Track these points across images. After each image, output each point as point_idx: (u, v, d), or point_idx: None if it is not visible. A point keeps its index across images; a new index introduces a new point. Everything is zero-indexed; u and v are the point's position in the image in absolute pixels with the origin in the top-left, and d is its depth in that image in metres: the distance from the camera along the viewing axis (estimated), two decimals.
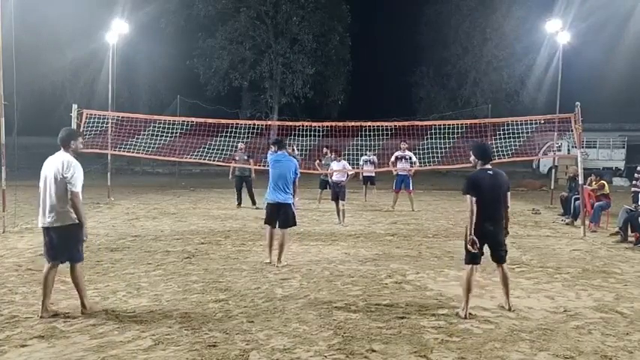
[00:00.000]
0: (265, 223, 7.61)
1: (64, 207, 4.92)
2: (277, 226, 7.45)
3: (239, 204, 13.88)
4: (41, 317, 4.94)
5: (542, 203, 15.70)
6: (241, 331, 4.71)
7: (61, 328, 4.73)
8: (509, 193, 5.35)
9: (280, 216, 7.41)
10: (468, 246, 5.15)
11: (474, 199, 5.08)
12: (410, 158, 13.62)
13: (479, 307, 5.46)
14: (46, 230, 5.02)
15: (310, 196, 15.38)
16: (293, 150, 13.96)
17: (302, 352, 4.27)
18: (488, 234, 5.18)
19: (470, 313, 5.15)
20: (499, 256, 5.35)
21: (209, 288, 6.10)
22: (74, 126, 10.31)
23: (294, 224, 7.61)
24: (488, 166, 5.30)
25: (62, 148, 5.10)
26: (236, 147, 13.90)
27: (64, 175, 4.90)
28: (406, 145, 13.76)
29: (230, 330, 4.70)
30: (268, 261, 7.42)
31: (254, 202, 13.77)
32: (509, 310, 5.32)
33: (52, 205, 4.94)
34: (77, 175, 4.95)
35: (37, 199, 5.10)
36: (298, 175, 7.73)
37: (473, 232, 5.11)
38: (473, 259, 5.20)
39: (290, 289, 6.13)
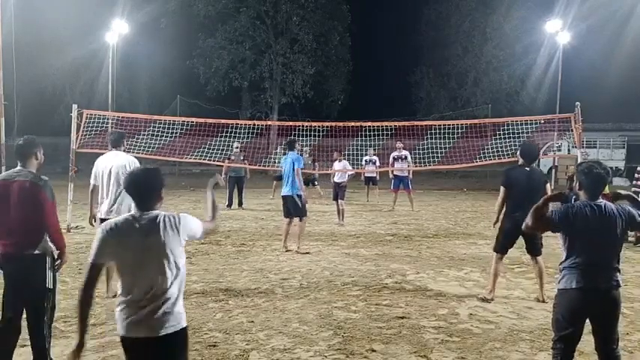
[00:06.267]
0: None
1: None
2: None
3: (229, 205, 13.63)
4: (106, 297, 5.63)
5: None
6: (241, 331, 4.71)
7: (61, 328, 4.73)
8: (548, 186, 5.68)
9: (289, 207, 8.36)
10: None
11: (504, 190, 5.62)
12: (406, 157, 13.59)
13: (479, 306, 5.47)
14: None
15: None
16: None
17: (302, 352, 4.27)
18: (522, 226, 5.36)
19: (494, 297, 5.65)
20: (534, 248, 5.66)
21: (209, 288, 6.10)
22: (74, 126, 10.30)
23: (301, 214, 8.35)
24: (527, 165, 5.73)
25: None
26: (231, 147, 13.84)
27: None
28: (402, 145, 13.71)
29: (230, 330, 4.70)
30: (284, 250, 8.30)
31: (241, 203, 13.77)
32: (543, 301, 5.50)
33: None
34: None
35: None
36: (296, 166, 8.29)
37: (503, 221, 5.64)
38: (500, 248, 5.69)
39: (290, 289, 6.13)
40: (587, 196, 3.33)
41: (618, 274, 3.35)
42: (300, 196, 8.23)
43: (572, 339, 3.31)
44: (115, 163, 5.71)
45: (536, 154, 5.97)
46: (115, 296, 5.51)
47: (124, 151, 5.97)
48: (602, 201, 3.32)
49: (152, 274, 2.63)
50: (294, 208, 8.29)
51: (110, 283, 5.68)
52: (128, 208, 5.63)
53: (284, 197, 8.43)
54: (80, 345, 2.61)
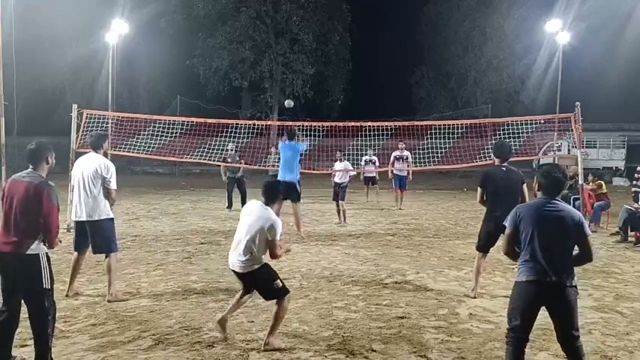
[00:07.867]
0: None
1: None
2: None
3: (229, 206, 13.42)
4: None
5: None
6: (241, 331, 4.71)
7: (61, 328, 4.73)
8: (524, 187, 5.77)
9: (288, 192, 8.58)
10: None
11: (480, 190, 5.81)
12: (407, 158, 13.67)
13: (479, 306, 5.47)
14: None
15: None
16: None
17: (302, 352, 4.27)
18: (502, 224, 5.39)
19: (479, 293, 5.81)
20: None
21: (209, 288, 6.10)
22: (74, 126, 10.30)
23: (299, 199, 9.20)
24: (505, 164, 5.85)
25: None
26: (226, 149, 13.70)
27: None
28: (404, 145, 13.82)
29: (230, 330, 4.69)
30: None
31: (244, 203, 13.64)
32: None
33: None
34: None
35: None
36: (300, 149, 9.28)
37: (484, 220, 5.79)
38: (482, 247, 5.82)
39: (290, 289, 6.10)
40: (545, 196, 3.60)
41: (570, 269, 3.51)
42: (299, 182, 8.99)
43: (524, 328, 3.50)
44: (87, 166, 5.61)
45: (508, 151, 6.02)
46: (76, 294, 5.68)
47: (104, 153, 5.85)
48: (558, 200, 3.59)
49: (240, 235, 4.41)
50: (294, 194, 8.86)
51: (73, 284, 5.73)
52: (101, 210, 5.55)
53: (285, 182, 8.74)
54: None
